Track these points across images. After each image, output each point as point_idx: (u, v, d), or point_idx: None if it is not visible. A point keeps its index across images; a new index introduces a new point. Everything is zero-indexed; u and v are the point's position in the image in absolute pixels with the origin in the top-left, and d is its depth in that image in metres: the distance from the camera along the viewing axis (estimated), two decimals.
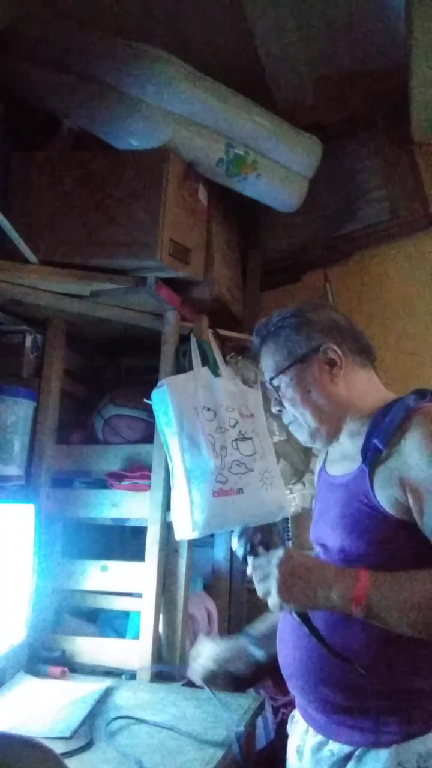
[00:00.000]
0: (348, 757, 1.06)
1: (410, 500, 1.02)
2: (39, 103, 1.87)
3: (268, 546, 1.08)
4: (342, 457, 1.20)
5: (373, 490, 1.06)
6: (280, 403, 1.22)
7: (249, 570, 1.07)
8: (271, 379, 1.23)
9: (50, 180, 1.76)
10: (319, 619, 1.07)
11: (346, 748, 1.06)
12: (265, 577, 1.03)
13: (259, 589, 1.04)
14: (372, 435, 1.09)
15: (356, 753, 1.05)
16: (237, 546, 1.10)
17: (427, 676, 1.04)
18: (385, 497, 1.05)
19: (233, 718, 1.37)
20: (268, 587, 1.02)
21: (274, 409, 1.26)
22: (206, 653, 1.36)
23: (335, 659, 1.02)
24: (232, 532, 1.13)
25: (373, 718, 1.04)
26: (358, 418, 1.16)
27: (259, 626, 1.35)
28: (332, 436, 1.19)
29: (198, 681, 1.37)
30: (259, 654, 1.31)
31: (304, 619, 1.04)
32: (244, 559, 1.09)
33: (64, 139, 1.86)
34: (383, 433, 1.07)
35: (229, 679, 1.35)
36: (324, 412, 1.18)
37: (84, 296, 1.75)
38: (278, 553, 1.03)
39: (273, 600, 1.02)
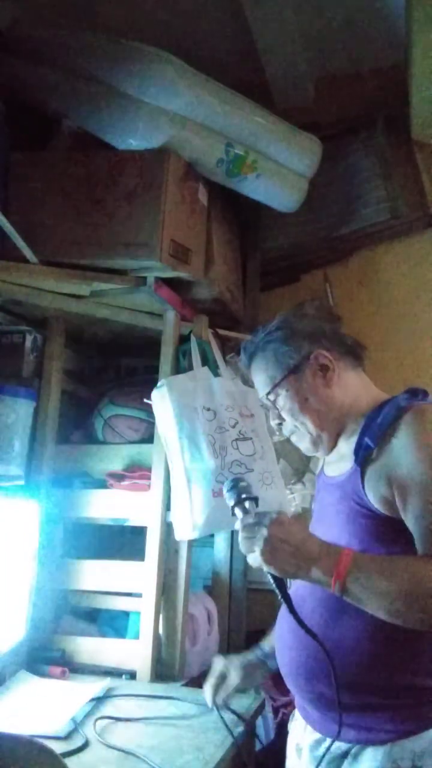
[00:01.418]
0: (345, 755, 1.07)
1: (396, 496, 1.03)
2: (39, 103, 1.87)
3: (257, 501, 1.07)
4: (338, 458, 1.21)
5: (364, 489, 1.08)
6: (280, 416, 1.23)
7: (237, 524, 1.06)
8: (267, 393, 1.24)
9: (50, 180, 1.76)
10: (314, 614, 1.08)
11: (343, 746, 1.07)
12: (252, 534, 1.02)
13: (243, 545, 1.03)
14: (364, 434, 1.10)
15: (352, 750, 1.06)
16: (227, 497, 1.09)
17: (422, 674, 1.04)
18: (375, 495, 1.06)
19: (233, 718, 1.37)
20: (252, 545, 1.01)
21: (273, 423, 1.26)
22: (229, 676, 1.35)
23: (306, 634, 1.03)
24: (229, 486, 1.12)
25: (368, 716, 1.04)
26: (354, 419, 1.18)
27: (271, 640, 1.36)
28: (333, 441, 1.21)
29: (212, 703, 1.36)
30: (273, 665, 1.31)
31: (279, 583, 1.04)
32: (232, 509, 1.08)
33: (64, 139, 1.86)
34: (374, 432, 1.08)
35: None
36: (324, 418, 1.19)
37: (84, 296, 1.75)
38: (271, 515, 1.02)
39: (254, 559, 1.01)
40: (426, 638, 1.01)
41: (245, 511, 1.06)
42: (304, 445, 1.24)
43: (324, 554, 0.99)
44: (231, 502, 1.08)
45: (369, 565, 0.98)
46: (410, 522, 1.02)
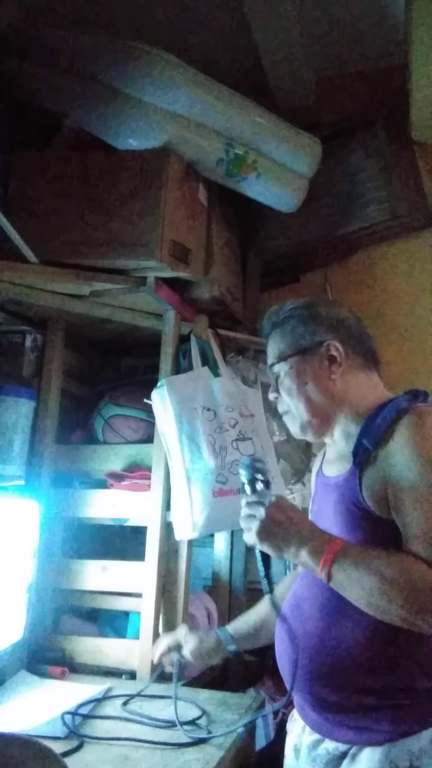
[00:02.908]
0: (343, 756, 1.07)
1: (390, 498, 1.04)
2: (39, 103, 1.87)
3: (269, 483, 1.14)
4: (337, 458, 1.21)
5: (361, 491, 1.08)
6: (277, 390, 1.25)
7: (242, 501, 1.12)
8: (272, 365, 1.25)
9: (50, 180, 1.76)
10: (313, 614, 1.10)
11: (341, 747, 1.07)
12: (252, 514, 1.08)
13: (242, 522, 1.10)
14: (363, 436, 1.10)
15: (351, 751, 1.06)
16: (241, 474, 1.16)
17: (420, 675, 1.04)
18: (371, 497, 1.07)
19: (233, 718, 1.38)
20: (250, 523, 1.08)
21: (271, 396, 1.28)
22: (189, 646, 1.43)
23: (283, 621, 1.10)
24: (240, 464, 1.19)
25: (366, 717, 1.04)
26: (354, 418, 1.17)
27: (238, 624, 1.44)
28: (322, 430, 1.22)
29: (168, 668, 1.46)
30: (232, 648, 1.41)
31: (265, 562, 1.11)
32: (243, 486, 1.15)
33: (64, 139, 1.86)
34: (373, 434, 1.08)
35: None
36: (317, 406, 1.19)
37: (84, 296, 1.75)
38: (271, 497, 1.09)
39: (250, 537, 1.08)
40: (424, 640, 1.01)
41: (254, 490, 1.12)
42: (293, 427, 1.25)
43: (315, 539, 1.03)
44: (244, 480, 1.15)
45: (356, 555, 1.00)
46: (400, 523, 1.02)
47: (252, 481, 1.14)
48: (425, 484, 0.99)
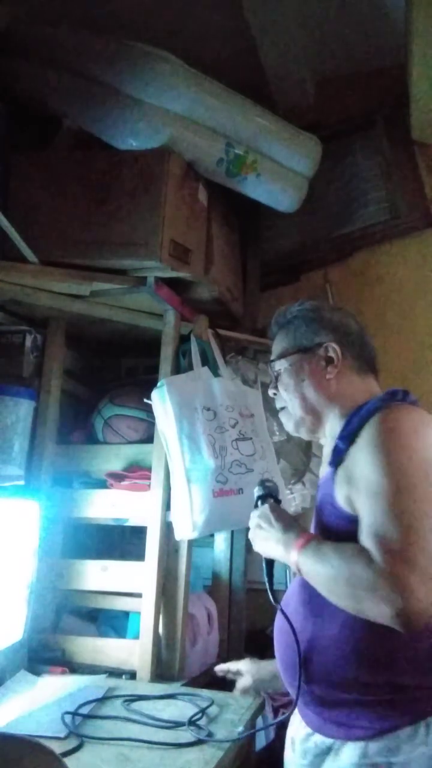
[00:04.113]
0: (329, 750, 1.08)
1: (352, 496, 1.06)
2: (39, 103, 1.87)
3: (279, 500, 1.22)
4: (326, 458, 1.24)
5: (335, 490, 1.10)
6: (276, 387, 1.30)
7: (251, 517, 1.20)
8: (273, 361, 1.30)
9: (50, 180, 1.76)
10: (297, 613, 1.12)
11: (328, 741, 1.08)
12: (251, 524, 1.19)
13: (249, 534, 1.20)
14: (339, 436, 1.14)
15: (334, 746, 1.07)
16: (256, 492, 1.24)
17: (399, 672, 1.04)
18: (341, 496, 1.09)
19: (233, 718, 1.38)
20: (251, 534, 1.19)
21: (270, 392, 1.33)
22: (249, 674, 1.43)
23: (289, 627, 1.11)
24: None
25: (346, 713, 1.06)
26: (340, 419, 1.21)
27: None
28: (315, 428, 1.26)
29: (237, 693, 1.46)
30: None
31: (267, 565, 1.19)
32: (256, 503, 1.22)
33: (64, 139, 1.86)
34: (347, 434, 1.12)
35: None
36: (310, 403, 1.24)
37: (84, 296, 1.75)
38: (263, 507, 1.18)
39: (253, 545, 1.18)
40: (402, 637, 1.01)
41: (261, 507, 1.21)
42: (288, 424, 1.30)
43: (288, 536, 1.10)
44: (255, 496, 1.23)
45: (319, 548, 1.04)
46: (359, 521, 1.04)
47: (262, 497, 1.22)
48: (378, 478, 1.01)
